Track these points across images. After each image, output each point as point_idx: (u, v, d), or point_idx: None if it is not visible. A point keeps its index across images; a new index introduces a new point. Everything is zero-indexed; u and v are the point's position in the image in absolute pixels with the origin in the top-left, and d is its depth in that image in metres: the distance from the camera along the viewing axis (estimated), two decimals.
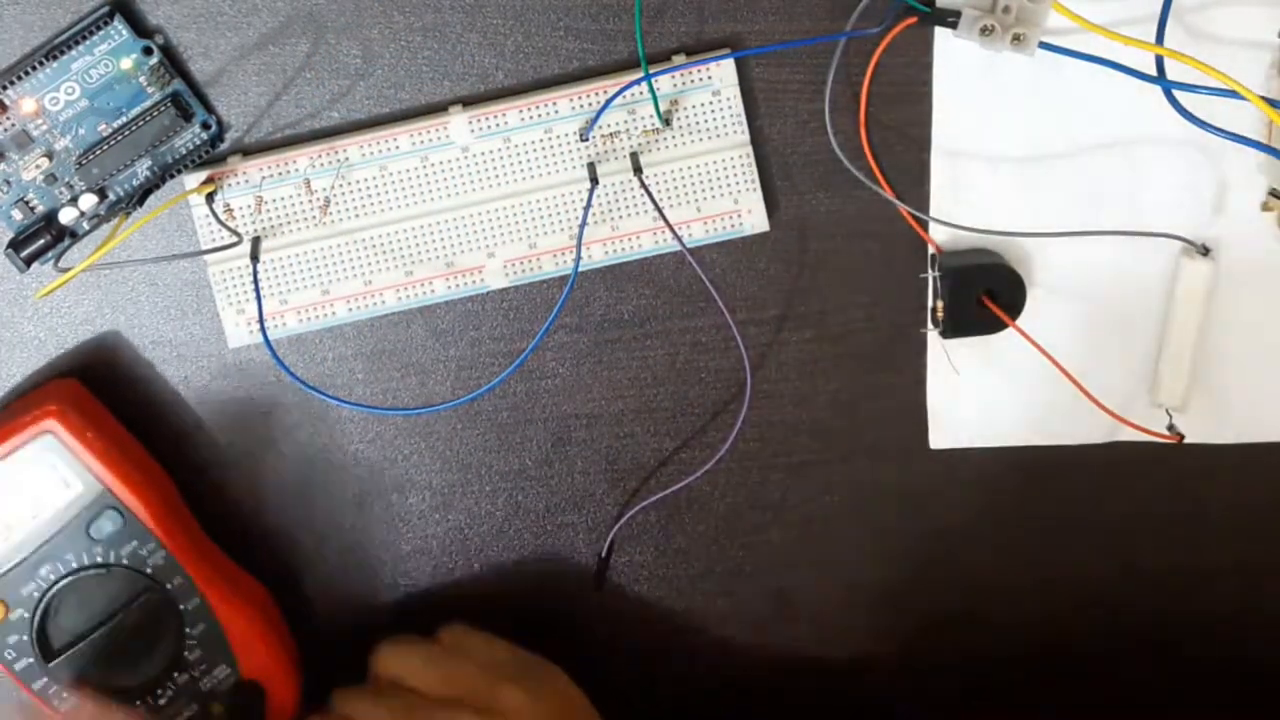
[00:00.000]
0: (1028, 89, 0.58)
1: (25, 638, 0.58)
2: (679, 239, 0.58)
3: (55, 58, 0.57)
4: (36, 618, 0.58)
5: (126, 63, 0.57)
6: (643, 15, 0.57)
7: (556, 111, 0.58)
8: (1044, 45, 0.55)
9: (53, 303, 0.60)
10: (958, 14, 0.55)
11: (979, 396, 0.61)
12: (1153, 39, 0.52)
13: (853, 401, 0.61)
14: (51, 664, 0.58)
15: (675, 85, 0.57)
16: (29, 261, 0.58)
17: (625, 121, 0.58)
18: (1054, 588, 0.62)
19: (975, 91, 0.58)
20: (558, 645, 0.64)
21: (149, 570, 0.58)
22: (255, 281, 0.58)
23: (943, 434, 0.61)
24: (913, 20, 0.56)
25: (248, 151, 0.58)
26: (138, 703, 0.59)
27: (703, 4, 0.57)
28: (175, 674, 0.59)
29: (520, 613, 0.64)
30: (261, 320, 0.57)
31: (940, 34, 0.57)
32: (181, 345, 0.60)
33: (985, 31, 0.55)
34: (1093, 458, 0.61)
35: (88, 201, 0.58)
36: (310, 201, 0.58)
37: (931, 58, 0.58)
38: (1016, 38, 0.55)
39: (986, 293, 0.58)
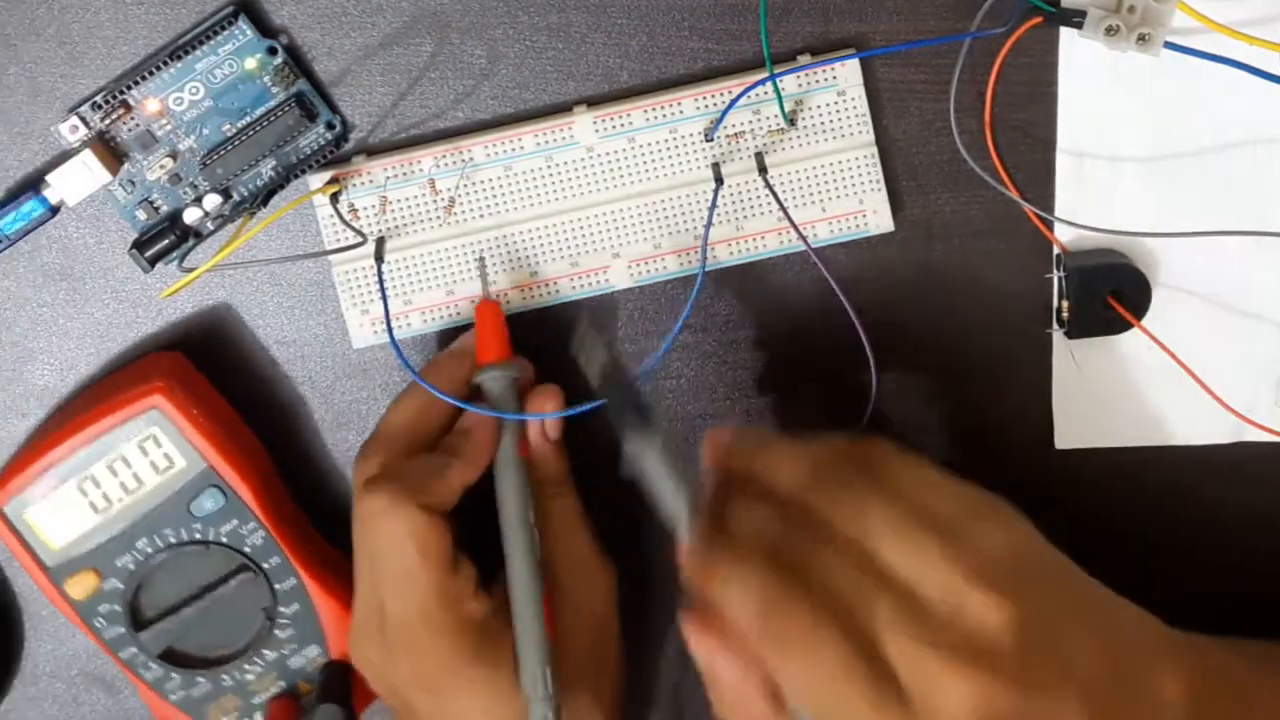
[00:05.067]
0: (1153, 89, 0.58)
1: (117, 607, 0.58)
2: (804, 239, 0.58)
3: (179, 58, 0.57)
4: (130, 589, 0.58)
5: (251, 63, 0.57)
6: (767, 15, 0.57)
7: (681, 111, 0.58)
8: (1169, 45, 0.55)
9: (174, 298, 0.60)
10: (1083, 14, 0.55)
11: (1104, 396, 0.60)
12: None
13: (977, 401, 0.61)
14: (141, 634, 0.58)
15: (800, 85, 0.57)
16: (153, 262, 0.57)
17: (750, 122, 0.58)
18: (1177, 587, 0.62)
19: (1100, 91, 0.58)
20: None
21: (247, 549, 0.58)
22: (380, 282, 0.58)
23: (1068, 434, 0.61)
24: (1038, 20, 0.56)
25: (372, 151, 0.58)
26: (225, 676, 0.59)
27: (827, 4, 0.57)
28: (265, 650, 0.59)
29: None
30: (388, 320, 0.57)
31: (1065, 34, 0.57)
32: (305, 345, 0.60)
33: (1110, 31, 0.55)
34: (1218, 458, 0.61)
35: (212, 202, 0.58)
36: (435, 202, 0.58)
37: (1057, 58, 0.58)
38: (1141, 38, 0.55)
39: (1112, 293, 0.58)
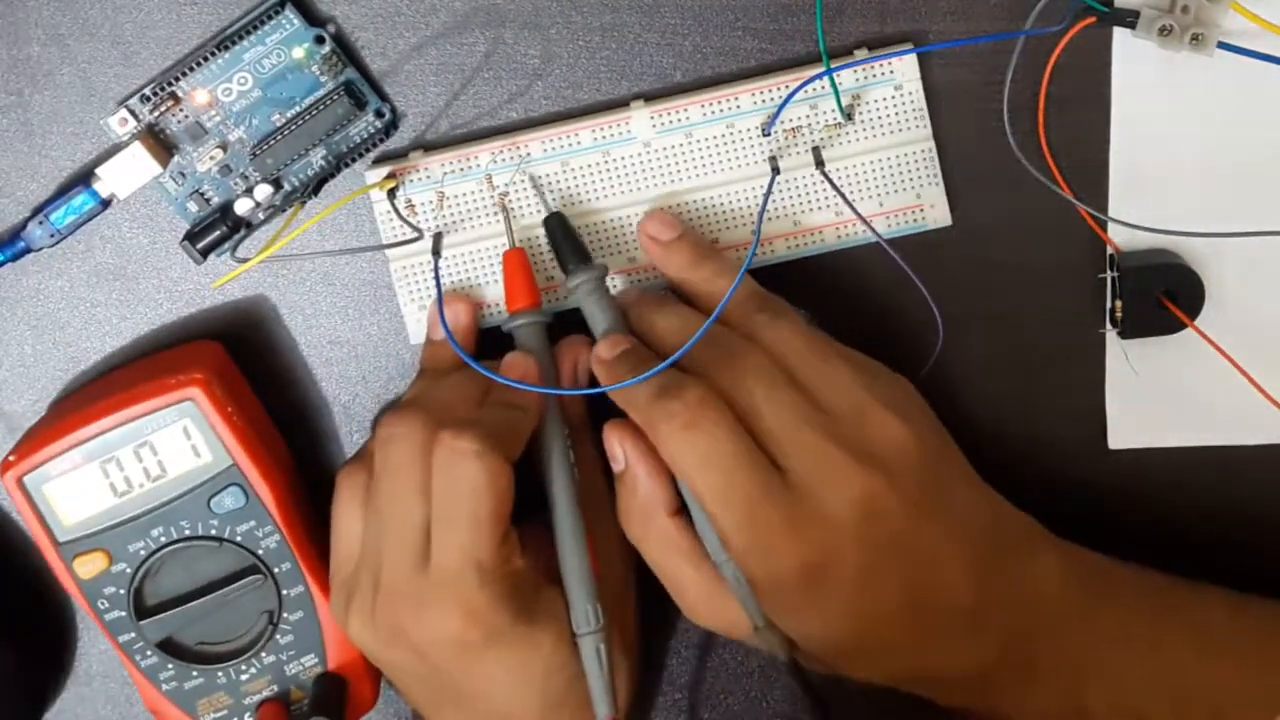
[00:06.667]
0: (1207, 89, 0.58)
1: (122, 591, 0.57)
2: (872, 229, 0.57)
3: (227, 48, 0.57)
4: (138, 575, 0.57)
5: (298, 52, 0.57)
6: (822, 15, 0.58)
7: (738, 106, 0.58)
8: (1223, 45, 0.56)
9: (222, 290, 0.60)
10: (1136, 14, 0.56)
11: (1158, 396, 0.60)
12: None
13: (1031, 401, 0.61)
14: (142, 622, 0.57)
15: (857, 80, 0.58)
16: (205, 253, 0.57)
17: (807, 116, 0.58)
18: (1230, 587, 0.61)
19: (1154, 92, 0.58)
20: None
21: (260, 552, 0.58)
22: (436, 277, 0.57)
23: (1122, 434, 0.61)
24: (1091, 20, 0.56)
25: (429, 147, 0.58)
26: (219, 673, 0.58)
27: (882, 4, 0.58)
28: (263, 653, 0.59)
29: None
30: (442, 314, 0.56)
31: (1119, 34, 0.58)
32: (358, 345, 0.60)
33: (1164, 32, 0.56)
34: (1272, 458, 0.61)
35: (263, 192, 0.57)
36: (491, 197, 0.58)
37: (1110, 58, 0.58)
38: (1195, 38, 0.56)
39: (1165, 293, 0.58)
